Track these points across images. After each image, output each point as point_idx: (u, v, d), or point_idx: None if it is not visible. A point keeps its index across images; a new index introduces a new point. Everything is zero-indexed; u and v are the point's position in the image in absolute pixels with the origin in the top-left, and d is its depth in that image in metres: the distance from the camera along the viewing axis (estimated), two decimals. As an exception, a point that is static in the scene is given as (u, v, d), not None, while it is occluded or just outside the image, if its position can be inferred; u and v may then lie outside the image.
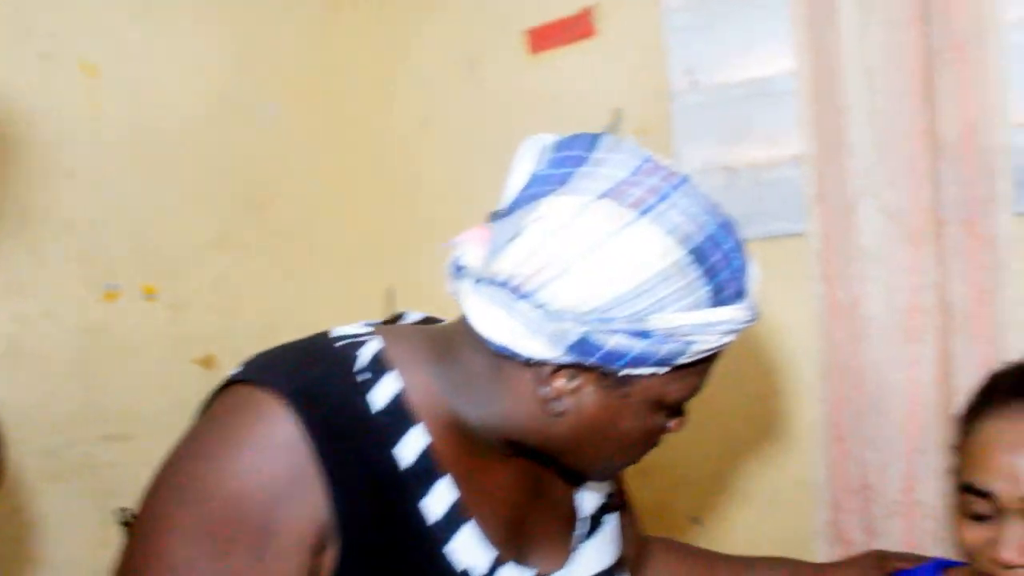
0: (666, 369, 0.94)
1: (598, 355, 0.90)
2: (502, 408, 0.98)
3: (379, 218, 2.95)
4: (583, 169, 0.92)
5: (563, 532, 1.14)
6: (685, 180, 0.96)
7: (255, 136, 2.64)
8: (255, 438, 0.87)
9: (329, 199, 2.87)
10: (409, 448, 0.95)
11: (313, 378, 0.94)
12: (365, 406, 0.94)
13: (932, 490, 2.01)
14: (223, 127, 2.56)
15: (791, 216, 2.24)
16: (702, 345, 0.93)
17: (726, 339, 0.95)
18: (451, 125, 2.81)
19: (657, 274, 0.89)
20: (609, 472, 1.12)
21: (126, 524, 1.97)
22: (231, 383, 0.96)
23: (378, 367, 0.98)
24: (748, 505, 2.41)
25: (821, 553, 2.17)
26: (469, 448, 1.01)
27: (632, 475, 2.56)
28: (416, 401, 0.97)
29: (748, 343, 2.36)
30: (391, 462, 0.93)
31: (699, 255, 0.91)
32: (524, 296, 0.89)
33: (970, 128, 1.94)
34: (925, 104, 1.97)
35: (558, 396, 0.95)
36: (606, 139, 0.96)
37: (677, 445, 2.49)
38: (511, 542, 1.04)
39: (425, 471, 0.95)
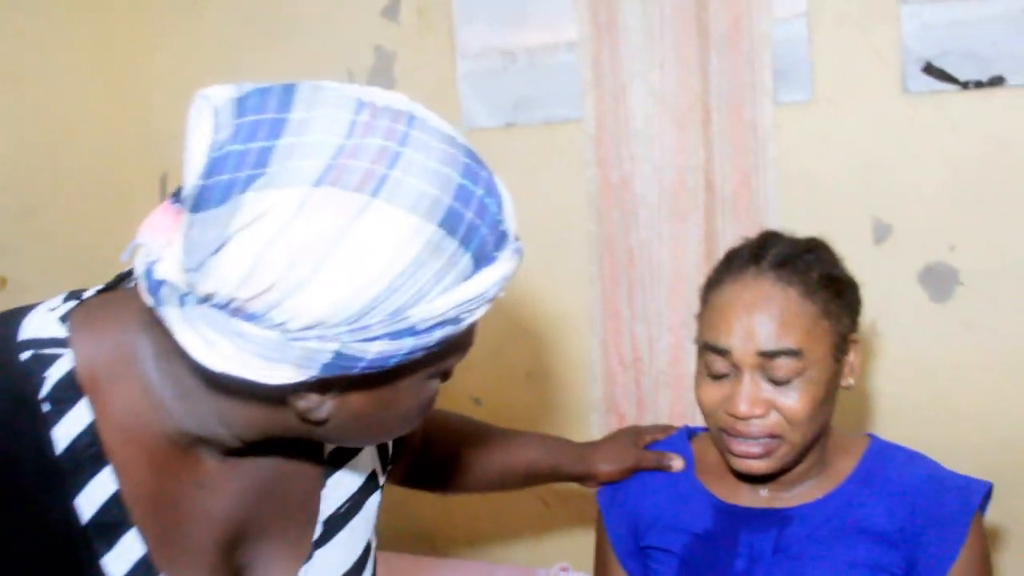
0: (439, 349, 0.81)
1: (360, 366, 0.75)
2: (246, 420, 0.85)
3: (150, 95, 2.80)
4: (284, 141, 0.71)
5: (302, 537, 0.99)
6: (412, 120, 0.76)
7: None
8: None
9: (92, 74, 2.69)
10: (92, 498, 0.81)
11: None
12: (48, 447, 0.79)
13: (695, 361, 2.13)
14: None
15: (567, 102, 2.28)
16: (476, 315, 0.80)
17: (499, 295, 0.83)
18: None
19: (410, 264, 0.72)
20: (387, 440, 1.01)
21: None
22: None
23: (67, 395, 0.81)
24: (527, 384, 2.49)
25: (596, 425, 2.27)
26: (187, 464, 0.88)
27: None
28: (114, 428, 0.83)
29: (525, 228, 2.40)
30: (71, 515, 0.80)
31: (452, 223, 0.74)
32: (251, 318, 0.72)
33: (737, 18, 2.01)
34: (695, -9, 2.03)
35: (318, 405, 0.81)
36: (302, 89, 0.75)
37: (458, 328, 2.54)
38: (227, 568, 0.93)
39: (108, 524, 0.81)
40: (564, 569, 2.36)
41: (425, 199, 0.73)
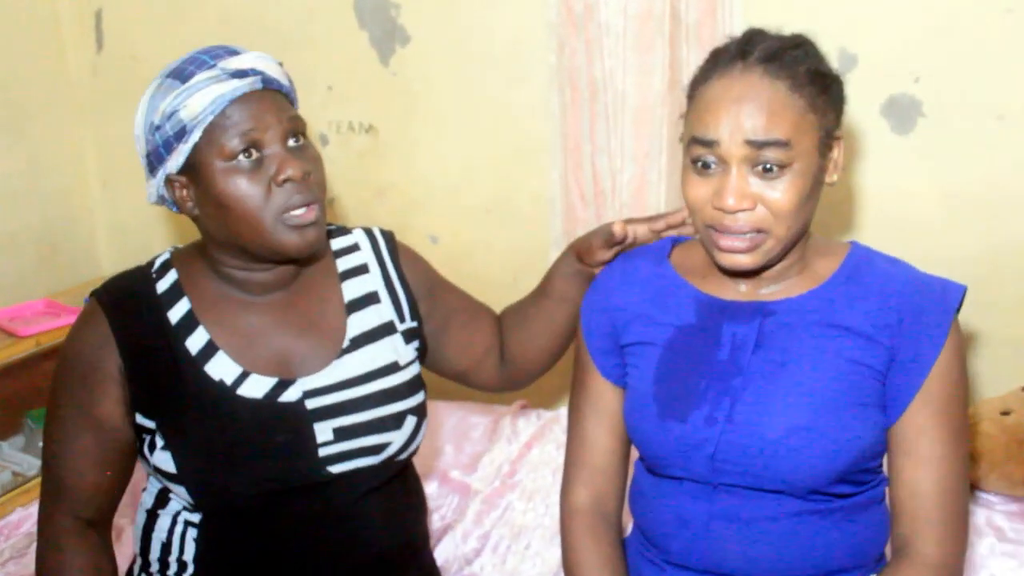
0: (194, 138, 1.29)
1: (154, 157, 1.33)
2: (207, 232, 1.40)
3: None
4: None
5: (333, 345, 1.45)
6: (190, 56, 1.34)
7: None
8: (81, 327, 1.40)
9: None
10: (177, 313, 1.40)
11: (119, 284, 1.44)
12: (153, 289, 1.42)
13: (660, 193, 2.12)
14: None
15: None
16: (191, 108, 1.29)
17: (219, 88, 1.28)
18: None
19: (149, 98, 1.33)
20: (291, 241, 1.34)
21: None
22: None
23: (164, 266, 1.44)
24: (485, 221, 2.48)
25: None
26: (237, 300, 1.42)
27: (369, 197, 2.56)
28: (187, 282, 1.42)
29: (481, 60, 2.35)
30: (167, 321, 1.39)
31: (169, 72, 1.32)
32: (149, 167, 1.37)
33: None
34: None
35: (185, 201, 1.36)
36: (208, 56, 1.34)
37: (413, 164, 2.49)
38: (269, 363, 1.41)
39: (186, 324, 1.40)
40: (524, 406, 2.39)
41: (167, 69, 1.34)
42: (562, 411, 2.32)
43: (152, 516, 1.47)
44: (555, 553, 1.81)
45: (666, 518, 1.35)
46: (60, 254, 2.73)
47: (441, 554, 1.88)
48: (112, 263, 2.88)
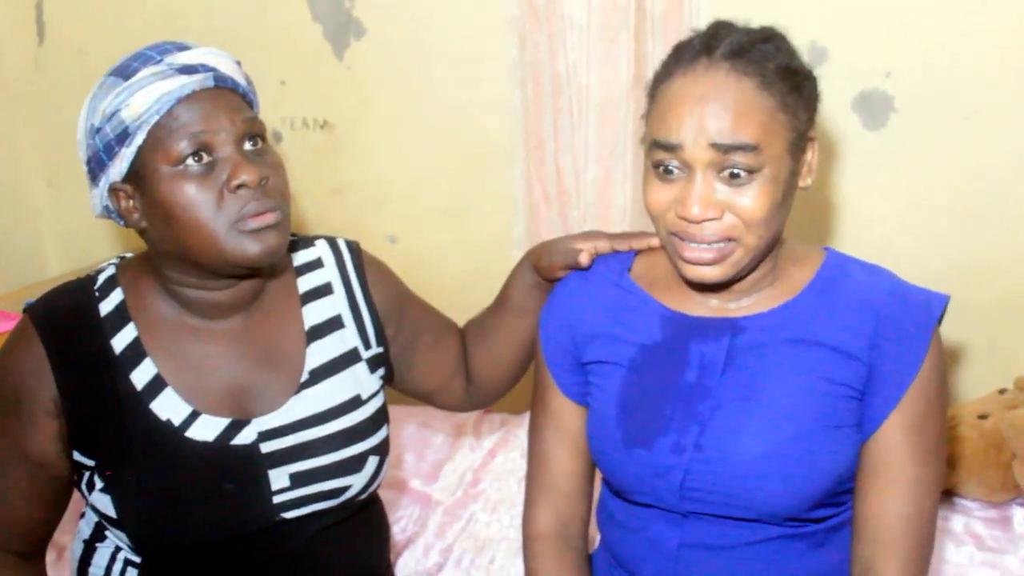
0: (138, 141, 1.17)
1: (95, 164, 1.21)
2: (153, 245, 1.27)
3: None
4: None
5: (291, 379, 1.32)
6: (164, 44, 1.23)
7: None
8: (13, 350, 1.26)
9: None
10: (121, 341, 1.26)
11: (57, 303, 1.29)
12: (96, 312, 1.27)
13: (625, 191, 2.06)
14: None
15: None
16: (134, 108, 1.16)
17: (164, 86, 1.16)
18: None
19: (91, 98, 1.21)
20: (250, 249, 1.21)
21: None
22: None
23: (109, 283, 1.29)
24: (445, 221, 2.40)
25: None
26: (190, 327, 1.29)
27: (325, 197, 2.48)
28: (134, 304, 1.28)
29: (439, 50, 2.28)
30: (111, 350, 1.25)
31: (112, 70, 1.20)
32: (91, 175, 1.24)
33: None
34: None
35: (131, 213, 1.23)
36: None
37: (370, 162, 2.42)
38: (222, 401, 1.29)
39: (131, 354, 1.26)
40: (486, 410, 2.33)
41: (111, 67, 1.21)
42: (527, 416, 2.26)
43: (90, 548, 1.36)
44: (520, 567, 1.74)
45: (635, 544, 1.28)
46: (1, 255, 2.63)
47: (402, 570, 1.81)
48: (60, 264, 2.80)
